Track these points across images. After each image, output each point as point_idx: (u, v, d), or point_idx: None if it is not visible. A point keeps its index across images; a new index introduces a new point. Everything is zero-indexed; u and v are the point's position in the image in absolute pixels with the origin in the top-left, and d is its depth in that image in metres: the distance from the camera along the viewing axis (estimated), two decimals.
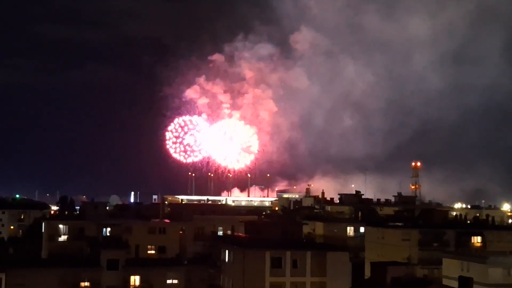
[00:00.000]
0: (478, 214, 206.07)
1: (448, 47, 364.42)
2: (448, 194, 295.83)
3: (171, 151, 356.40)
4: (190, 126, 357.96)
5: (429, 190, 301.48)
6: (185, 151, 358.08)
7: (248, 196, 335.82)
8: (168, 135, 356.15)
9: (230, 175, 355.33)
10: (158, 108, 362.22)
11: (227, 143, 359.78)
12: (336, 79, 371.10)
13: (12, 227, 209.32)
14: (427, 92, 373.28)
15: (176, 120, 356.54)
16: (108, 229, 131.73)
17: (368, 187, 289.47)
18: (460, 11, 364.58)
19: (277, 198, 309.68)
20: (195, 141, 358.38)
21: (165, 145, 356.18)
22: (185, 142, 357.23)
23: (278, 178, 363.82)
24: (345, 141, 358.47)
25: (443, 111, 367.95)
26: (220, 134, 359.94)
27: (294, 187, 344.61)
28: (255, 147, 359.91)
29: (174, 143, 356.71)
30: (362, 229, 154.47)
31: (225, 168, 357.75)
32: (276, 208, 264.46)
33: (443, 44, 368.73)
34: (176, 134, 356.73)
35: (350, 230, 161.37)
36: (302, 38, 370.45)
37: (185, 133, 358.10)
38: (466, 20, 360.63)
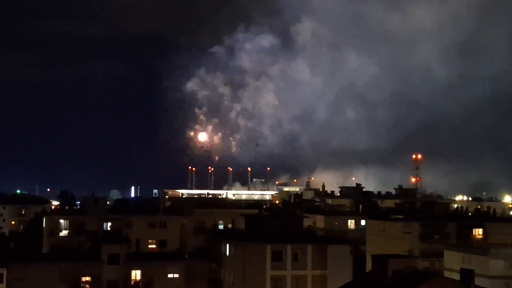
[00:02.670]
0: (479, 206, 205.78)
1: (453, 37, 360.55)
2: (452, 187, 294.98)
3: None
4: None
5: (434, 183, 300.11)
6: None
7: (249, 189, 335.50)
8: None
9: (230, 169, 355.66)
10: (159, 102, 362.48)
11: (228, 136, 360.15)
12: (339, 71, 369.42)
13: (13, 222, 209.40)
14: (432, 83, 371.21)
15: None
16: (109, 223, 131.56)
17: (370, 180, 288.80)
18: (465, 1, 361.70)
19: (277, 192, 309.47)
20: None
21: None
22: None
23: (279, 171, 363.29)
24: (348, 134, 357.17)
25: (448, 102, 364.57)
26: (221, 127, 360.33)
27: (295, 180, 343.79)
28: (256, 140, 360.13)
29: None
30: (363, 222, 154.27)
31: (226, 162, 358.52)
32: (277, 202, 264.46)
33: (448, 35, 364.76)
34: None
35: (351, 223, 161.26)
36: (304, 29, 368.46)
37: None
38: (472, 9, 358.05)
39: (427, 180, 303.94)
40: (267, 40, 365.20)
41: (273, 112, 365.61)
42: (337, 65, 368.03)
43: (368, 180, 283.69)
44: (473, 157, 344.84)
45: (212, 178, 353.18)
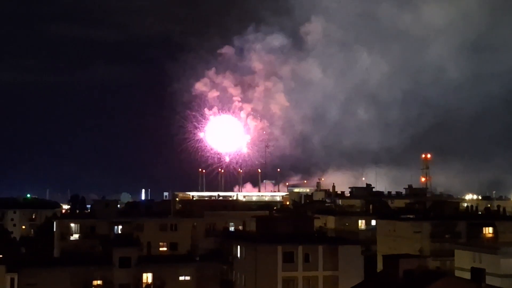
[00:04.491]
0: (489, 205, 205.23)
1: (466, 35, 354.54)
2: (464, 186, 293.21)
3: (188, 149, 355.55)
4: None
5: (445, 182, 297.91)
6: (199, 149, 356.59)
7: (259, 191, 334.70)
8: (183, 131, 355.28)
9: (241, 171, 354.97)
10: (168, 104, 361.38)
11: (239, 138, 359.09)
12: (350, 70, 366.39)
13: (23, 227, 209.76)
14: (444, 82, 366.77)
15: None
16: (120, 227, 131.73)
17: (381, 180, 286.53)
18: None
19: (288, 193, 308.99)
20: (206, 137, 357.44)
21: (181, 143, 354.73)
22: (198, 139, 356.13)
23: (291, 172, 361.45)
24: (360, 134, 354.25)
25: (461, 101, 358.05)
26: (231, 128, 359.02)
27: (305, 181, 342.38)
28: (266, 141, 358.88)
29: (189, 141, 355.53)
30: (373, 222, 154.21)
31: (236, 164, 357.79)
32: (287, 203, 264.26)
33: (460, 33, 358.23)
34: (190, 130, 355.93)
35: (361, 223, 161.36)
36: (314, 29, 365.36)
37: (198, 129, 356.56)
38: (483, 7, 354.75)
39: (439, 179, 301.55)
40: (277, 40, 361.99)
41: (284, 112, 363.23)
42: (348, 64, 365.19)
43: (379, 180, 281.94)
44: (485, 155, 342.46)
45: (223, 179, 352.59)
